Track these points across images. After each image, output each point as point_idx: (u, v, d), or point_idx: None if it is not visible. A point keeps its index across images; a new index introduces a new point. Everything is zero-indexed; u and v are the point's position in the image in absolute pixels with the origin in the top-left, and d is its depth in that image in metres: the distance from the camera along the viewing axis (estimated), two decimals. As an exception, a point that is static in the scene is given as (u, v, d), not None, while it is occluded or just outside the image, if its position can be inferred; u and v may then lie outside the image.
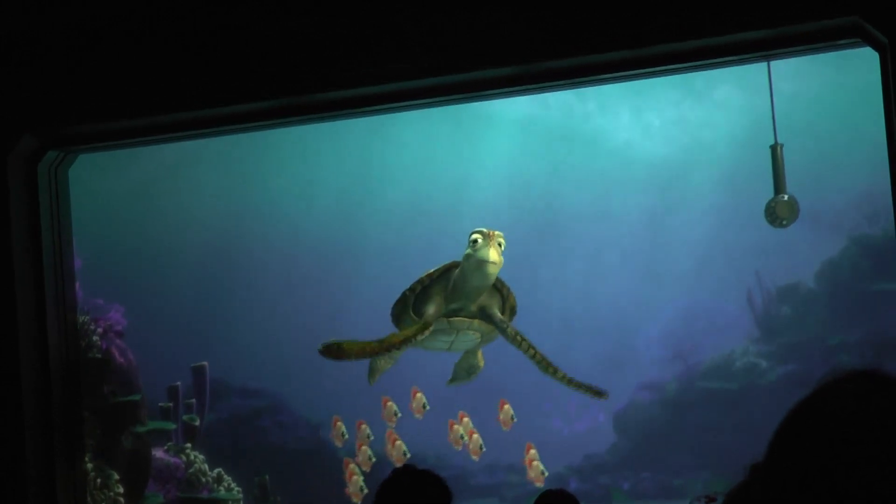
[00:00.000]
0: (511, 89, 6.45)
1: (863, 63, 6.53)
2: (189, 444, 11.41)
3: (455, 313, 7.73)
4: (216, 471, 11.43)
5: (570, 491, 4.76)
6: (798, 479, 1.39)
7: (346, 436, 9.66)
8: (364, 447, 9.91)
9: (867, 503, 1.35)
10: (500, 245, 7.46)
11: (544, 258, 14.12)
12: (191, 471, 11.24)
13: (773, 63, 8.16)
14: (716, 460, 11.71)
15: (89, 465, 8.89)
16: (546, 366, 7.71)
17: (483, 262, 7.42)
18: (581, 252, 14.30)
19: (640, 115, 14.54)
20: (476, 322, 7.73)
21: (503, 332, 7.73)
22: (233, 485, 11.48)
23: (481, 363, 8.34)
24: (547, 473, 9.74)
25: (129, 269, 13.27)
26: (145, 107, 6.50)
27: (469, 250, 7.51)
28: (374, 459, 9.90)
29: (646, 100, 14.32)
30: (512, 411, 9.29)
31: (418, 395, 9.31)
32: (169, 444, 11.31)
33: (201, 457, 11.40)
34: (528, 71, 6.02)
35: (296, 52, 6.06)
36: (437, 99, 6.55)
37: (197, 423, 11.65)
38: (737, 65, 6.56)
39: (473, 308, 7.73)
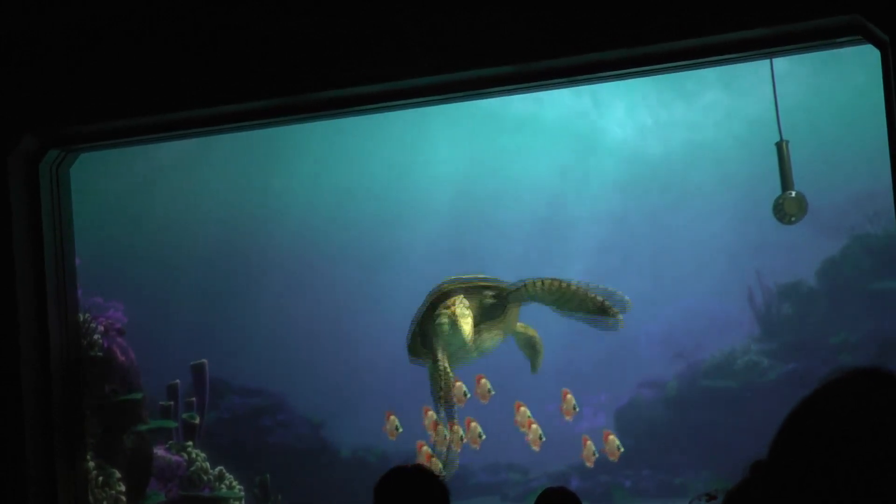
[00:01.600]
0: (511, 87, 6.45)
1: (864, 61, 6.52)
2: (190, 443, 11.41)
3: (462, 349, 7.87)
4: (217, 469, 11.44)
5: (572, 489, 4.76)
6: (799, 477, 1.40)
7: (401, 429, 9.61)
8: (439, 427, 9.86)
9: (868, 501, 1.35)
10: (464, 311, 7.60)
11: (546, 256, 14.12)
12: (192, 469, 11.24)
13: (777, 61, 8.16)
14: (717, 459, 11.70)
15: (91, 464, 8.89)
16: (559, 286, 7.69)
17: (456, 333, 7.62)
18: (583, 251, 14.29)
19: (643, 114, 14.53)
20: (485, 333, 7.83)
21: (504, 299, 7.77)
22: (234, 483, 11.48)
23: (532, 331, 8.36)
24: (622, 450, 9.77)
25: (127, 267, 13.28)
26: (145, 106, 6.50)
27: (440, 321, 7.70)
28: (483, 437, 9.87)
29: (648, 99, 14.32)
30: (574, 401, 9.33)
31: (483, 380, 9.31)
32: (170, 442, 11.31)
33: (203, 455, 11.40)
34: (528, 69, 6.02)
35: (296, 52, 6.06)
36: (437, 97, 6.55)
37: (196, 421, 11.65)
38: (738, 63, 6.56)
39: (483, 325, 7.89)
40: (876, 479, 1.36)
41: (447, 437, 9.52)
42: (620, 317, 7.81)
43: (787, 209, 8.06)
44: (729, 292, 13.55)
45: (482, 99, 7.34)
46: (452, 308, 7.70)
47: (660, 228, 14.05)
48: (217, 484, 11.35)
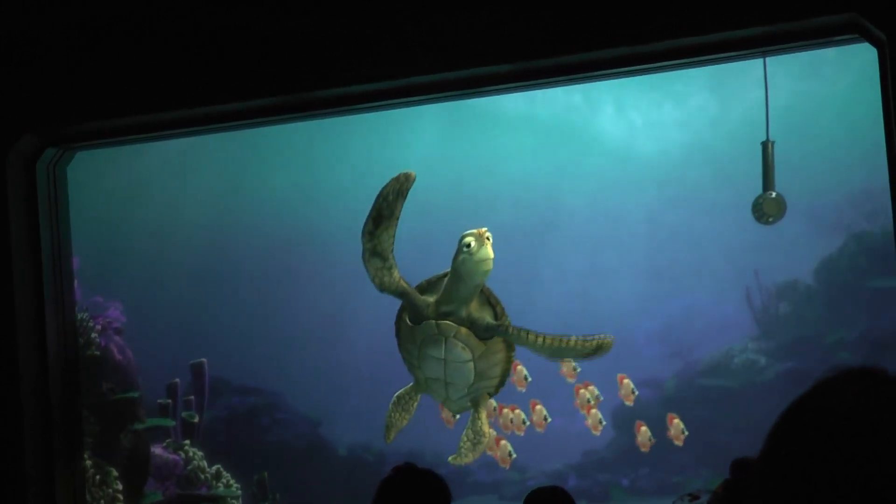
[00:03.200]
0: (510, 85, 6.45)
1: (862, 60, 6.53)
2: (188, 441, 11.42)
3: (444, 317, 7.68)
4: (215, 467, 11.45)
5: (568, 488, 4.74)
6: (795, 475, 1.40)
7: (458, 417, 9.62)
8: (505, 410, 9.82)
9: (864, 498, 1.36)
10: (489, 240, 7.44)
11: (543, 256, 14.14)
12: (189, 468, 11.25)
13: (774, 60, 8.17)
14: (714, 457, 11.71)
15: (88, 463, 8.90)
16: (559, 342, 7.61)
17: (482, 262, 7.40)
18: (580, 250, 14.31)
19: (640, 112, 14.54)
20: (463, 331, 7.66)
21: (503, 331, 7.66)
22: (231, 481, 11.49)
23: (486, 427, 8.24)
24: (687, 433, 9.77)
25: (128, 267, 13.28)
26: (144, 105, 6.50)
27: (464, 254, 7.45)
28: (527, 423, 9.84)
29: (645, 98, 14.33)
30: (632, 385, 9.35)
31: (519, 367, 9.27)
32: (168, 440, 11.31)
33: (200, 454, 11.41)
34: (527, 68, 6.03)
35: (296, 53, 6.06)
36: (436, 95, 6.55)
37: (196, 419, 11.65)
38: (736, 61, 6.57)
39: (464, 314, 7.67)
40: (874, 477, 1.36)
41: (525, 422, 9.43)
42: (609, 341, 7.76)
43: (766, 209, 8.11)
44: (726, 291, 13.56)
45: (481, 97, 7.34)
46: (484, 236, 7.40)
47: (657, 227, 14.06)
48: (214, 482, 11.36)
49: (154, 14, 6.25)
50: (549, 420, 9.42)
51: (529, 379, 9.26)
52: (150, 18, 6.26)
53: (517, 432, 9.26)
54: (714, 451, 11.88)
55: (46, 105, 6.57)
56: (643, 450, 9.92)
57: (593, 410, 9.37)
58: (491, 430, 9.39)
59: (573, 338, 7.61)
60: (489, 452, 9.22)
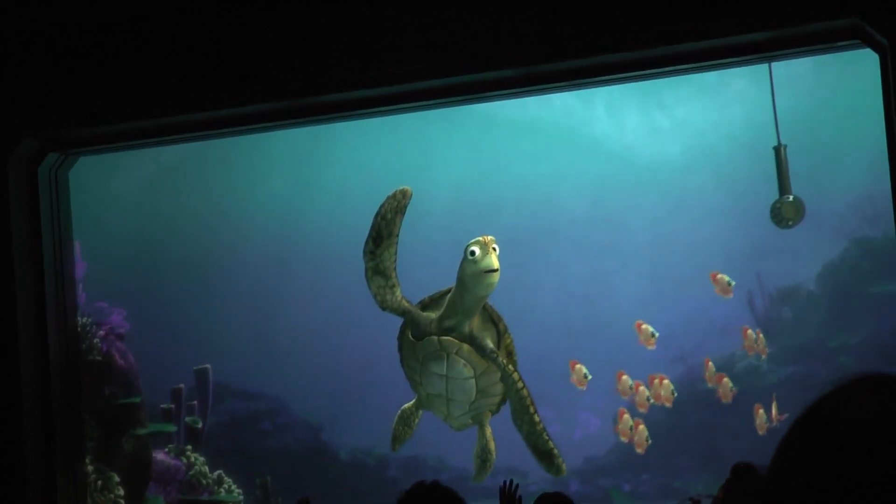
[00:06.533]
0: (511, 91, 6.45)
1: (864, 65, 6.53)
2: (189, 446, 11.41)
3: (447, 333, 7.64)
4: (216, 472, 11.44)
5: (570, 493, 4.75)
6: (809, 483, 1.38)
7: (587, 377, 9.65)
8: (641, 388, 9.82)
9: None
10: (495, 250, 7.38)
11: (545, 260, 14.12)
12: (191, 473, 11.24)
13: (776, 65, 8.18)
14: (716, 462, 11.69)
15: (90, 467, 8.89)
16: (529, 405, 7.70)
17: (488, 272, 7.33)
18: (582, 254, 14.29)
19: (641, 117, 14.53)
20: (465, 347, 7.63)
21: (494, 360, 7.64)
22: (233, 487, 11.48)
23: (492, 444, 8.28)
24: (651, 401, 9.84)
25: (134, 273, 13.28)
26: (145, 110, 6.50)
27: (468, 262, 7.40)
28: (651, 401, 9.85)
29: (647, 102, 14.31)
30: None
31: (578, 366, 9.31)
32: (170, 446, 11.31)
33: (202, 459, 11.40)
34: (529, 72, 6.03)
35: (297, 58, 6.07)
36: (437, 101, 6.55)
37: (200, 425, 11.65)
38: (738, 66, 6.57)
39: (466, 331, 7.64)
40: (886, 486, 1.34)
41: (650, 399, 9.46)
42: (562, 470, 7.89)
43: (785, 213, 8.10)
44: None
45: (483, 102, 7.35)
46: (490, 245, 7.28)
47: (659, 232, 14.04)
48: (216, 487, 11.35)
49: (156, 19, 6.25)
50: (676, 395, 9.50)
51: (589, 377, 9.29)
52: (152, 23, 6.26)
53: (666, 404, 9.34)
54: (716, 455, 11.86)
55: (48, 109, 6.57)
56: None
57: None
58: (626, 415, 9.45)
59: (540, 421, 7.72)
60: (623, 439, 9.26)
